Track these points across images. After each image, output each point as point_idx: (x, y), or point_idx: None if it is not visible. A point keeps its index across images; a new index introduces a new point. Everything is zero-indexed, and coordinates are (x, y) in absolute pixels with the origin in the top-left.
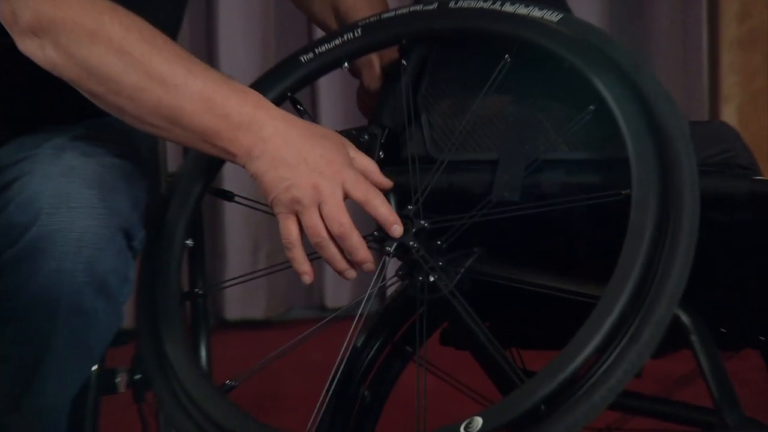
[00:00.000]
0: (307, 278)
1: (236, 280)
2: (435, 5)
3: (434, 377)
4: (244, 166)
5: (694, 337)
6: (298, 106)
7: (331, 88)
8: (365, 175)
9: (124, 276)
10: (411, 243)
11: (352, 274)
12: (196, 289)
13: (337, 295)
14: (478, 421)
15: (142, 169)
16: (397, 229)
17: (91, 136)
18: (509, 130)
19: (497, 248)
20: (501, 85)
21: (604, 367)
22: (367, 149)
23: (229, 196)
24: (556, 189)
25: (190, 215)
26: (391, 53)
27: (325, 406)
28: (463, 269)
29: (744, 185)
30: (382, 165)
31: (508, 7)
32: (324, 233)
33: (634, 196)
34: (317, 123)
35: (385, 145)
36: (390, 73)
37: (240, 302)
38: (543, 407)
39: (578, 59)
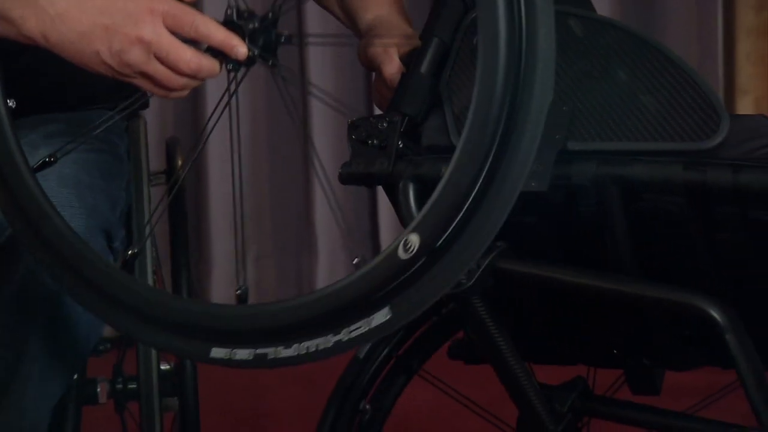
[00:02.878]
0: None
1: None
2: None
3: (435, 392)
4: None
5: (729, 336)
6: None
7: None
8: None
9: None
10: (254, 52)
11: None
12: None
13: None
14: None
15: (121, 167)
16: (241, 51)
17: (66, 132)
18: None
19: (518, 243)
20: None
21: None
22: (386, 137)
23: None
24: (587, 181)
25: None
26: (410, 44)
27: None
28: (486, 264)
29: None
30: (401, 155)
31: None
32: (178, 80)
33: (480, 18)
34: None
35: (405, 134)
36: (410, 62)
37: None
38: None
39: None
